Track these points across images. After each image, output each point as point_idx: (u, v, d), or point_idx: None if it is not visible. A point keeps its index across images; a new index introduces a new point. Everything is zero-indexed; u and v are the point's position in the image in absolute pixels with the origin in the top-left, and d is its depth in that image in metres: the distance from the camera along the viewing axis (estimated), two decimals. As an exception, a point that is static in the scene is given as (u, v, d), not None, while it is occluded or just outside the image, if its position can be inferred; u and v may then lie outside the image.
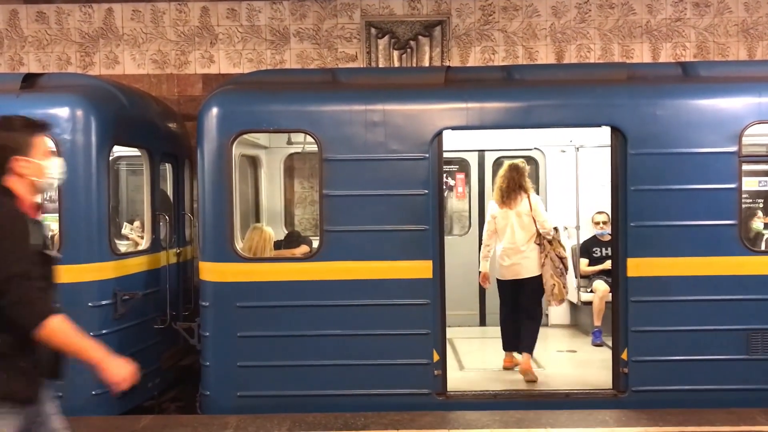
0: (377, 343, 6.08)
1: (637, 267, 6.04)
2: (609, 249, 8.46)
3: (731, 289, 6.04)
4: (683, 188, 6.02)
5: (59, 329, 2.93)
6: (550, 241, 7.00)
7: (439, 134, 6.08)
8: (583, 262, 8.62)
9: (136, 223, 8.30)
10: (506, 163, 7.27)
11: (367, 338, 6.09)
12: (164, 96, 9.00)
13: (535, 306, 7.12)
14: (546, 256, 6.95)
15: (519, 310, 7.13)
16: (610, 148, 6.21)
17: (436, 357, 6.11)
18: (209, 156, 6.09)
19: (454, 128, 6.11)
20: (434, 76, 6.47)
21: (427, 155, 6.04)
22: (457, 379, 6.56)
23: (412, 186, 6.05)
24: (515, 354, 7.16)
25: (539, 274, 6.98)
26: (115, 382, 3.04)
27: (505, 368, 7.15)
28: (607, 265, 8.39)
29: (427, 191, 6.05)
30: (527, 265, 7.00)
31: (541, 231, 6.99)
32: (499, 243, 7.18)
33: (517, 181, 7.04)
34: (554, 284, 6.90)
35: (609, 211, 8.29)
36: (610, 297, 7.99)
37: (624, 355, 6.09)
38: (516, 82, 6.37)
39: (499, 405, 6.05)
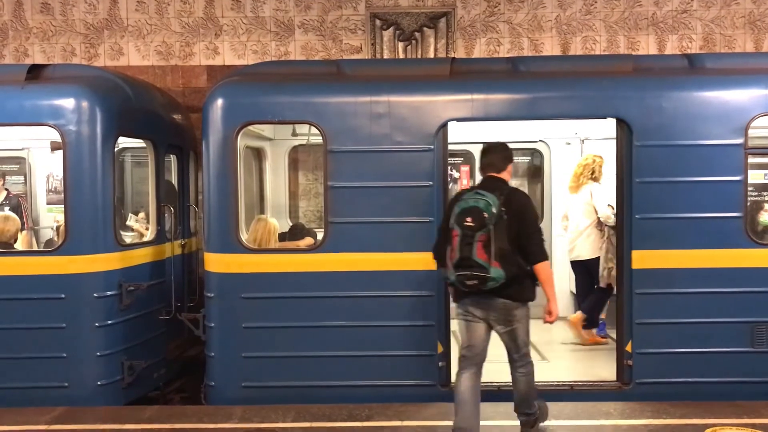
0: (381, 335, 6.09)
1: (642, 259, 6.03)
2: (613, 241, 8.50)
3: (736, 281, 6.03)
4: (689, 180, 6.00)
5: (547, 268, 4.95)
6: (613, 227, 7.46)
7: (444, 126, 6.07)
8: None
9: (141, 215, 8.33)
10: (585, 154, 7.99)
11: (371, 329, 6.10)
12: (169, 87, 9.00)
13: (590, 286, 7.85)
14: (606, 240, 7.57)
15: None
16: (615, 141, 6.20)
17: (440, 348, 6.11)
18: (214, 147, 6.09)
19: (459, 120, 6.10)
20: (439, 67, 6.45)
21: (432, 147, 6.04)
22: (461, 371, 6.56)
23: (417, 178, 6.04)
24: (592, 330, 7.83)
25: (597, 256, 7.65)
26: (551, 315, 4.98)
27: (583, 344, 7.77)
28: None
29: (431, 183, 6.05)
30: (585, 247, 7.66)
31: (601, 218, 7.55)
32: (569, 227, 7.96)
33: (585, 171, 7.73)
34: (610, 267, 7.43)
35: (614, 204, 8.37)
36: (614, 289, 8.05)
37: (628, 348, 6.09)
38: (521, 74, 6.35)
39: (502, 396, 6.02)
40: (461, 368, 5.04)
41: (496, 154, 5.19)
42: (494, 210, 4.69)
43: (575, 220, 7.81)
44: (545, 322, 5.05)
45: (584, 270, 7.83)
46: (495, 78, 6.34)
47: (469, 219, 4.69)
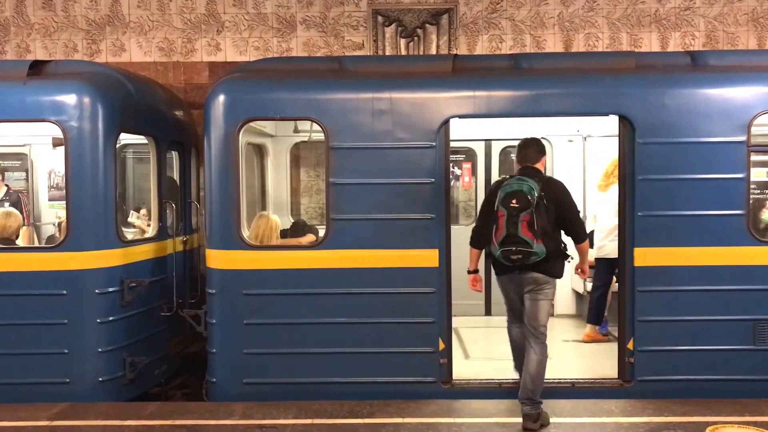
0: (383, 332, 6.09)
1: (644, 257, 6.03)
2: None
3: (738, 279, 6.03)
4: (691, 178, 5.99)
5: (587, 244, 5.77)
6: None
7: (446, 122, 6.06)
8: None
9: (143, 211, 8.33)
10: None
11: (373, 326, 6.10)
12: (171, 84, 9.00)
13: (609, 283, 7.85)
14: None
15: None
16: (618, 138, 6.19)
17: (441, 345, 6.11)
18: (216, 144, 6.09)
19: (461, 116, 6.09)
20: (441, 64, 6.44)
21: (434, 144, 6.03)
22: (462, 368, 6.57)
23: (419, 174, 6.04)
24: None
25: None
26: (584, 273, 5.94)
27: (584, 341, 7.83)
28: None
29: (433, 180, 6.04)
30: (615, 246, 7.57)
31: None
32: (597, 225, 7.95)
33: (615, 171, 7.61)
34: None
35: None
36: (615, 287, 8.05)
37: (630, 345, 6.09)
38: (524, 71, 6.34)
39: (504, 394, 6.05)
40: (509, 321, 5.95)
41: (531, 148, 5.75)
42: (535, 193, 5.32)
43: (603, 220, 7.77)
44: (576, 273, 6.02)
45: (608, 267, 7.75)
46: (497, 75, 6.32)
47: (514, 201, 5.33)
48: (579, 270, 5.90)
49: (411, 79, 6.22)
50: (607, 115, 6.21)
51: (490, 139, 9.21)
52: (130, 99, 6.66)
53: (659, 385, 6.06)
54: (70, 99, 6.12)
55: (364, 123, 6.05)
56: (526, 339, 5.58)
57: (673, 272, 6.03)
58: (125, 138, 7.21)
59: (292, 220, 8.52)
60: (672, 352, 6.06)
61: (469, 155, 9.41)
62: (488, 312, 9.22)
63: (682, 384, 6.06)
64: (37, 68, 6.45)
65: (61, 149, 6.20)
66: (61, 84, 6.23)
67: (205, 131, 6.16)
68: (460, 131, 6.73)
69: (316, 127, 6.35)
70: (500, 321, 8.76)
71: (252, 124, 6.47)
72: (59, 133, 6.15)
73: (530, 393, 5.39)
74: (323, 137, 6.11)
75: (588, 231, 8.77)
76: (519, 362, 5.82)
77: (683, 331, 6.06)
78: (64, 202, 6.34)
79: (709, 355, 6.06)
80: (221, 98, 6.09)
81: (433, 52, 9.15)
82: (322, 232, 6.60)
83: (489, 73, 6.34)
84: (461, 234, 8.64)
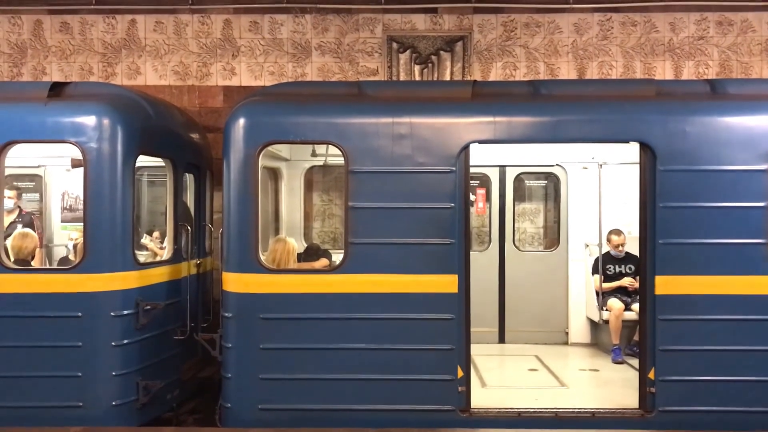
0: (401, 358, 6.00)
1: (666, 285, 5.96)
2: (623, 266, 8.44)
3: (760, 308, 5.95)
4: (712, 206, 5.95)
5: None
6: None
7: (466, 148, 6.04)
8: (596, 278, 8.50)
9: (156, 234, 8.30)
10: None
11: (390, 352, 6.02)
12: (185, 107, 9.01)
13: None
14: None
15: None
16: (638, 165, 6.16)
17: (460, 373, 6.03)
18: (235, 166, 6.06)
19: (481, 142, 6.07)
20: (461, 89, 6.44)
21: (454, 168, 6.01)
22: (480, 396, 6.48)
23: (439, 199, 6.00)
24: None
25: None
26: None
27: None
28: (624, 282, 8.37)
29: (453, 205, 6.00)
30: None
31: None
32: None
33: None
34: None
35: (625, 230, 8.36)
36: (625, 315, 8.02)
37: (651, 375, 6.00)
38: (543, 97, 6.33)
39: (523, 423, 5.96)
40: None
41: None
42: None
43: None
44: None
45: None
46: (517, 101, 6.31)
47: None
48: None
49: (431, 103, 6.21)
50: (628, 142, 6.19)
51: (505, 166, 9.20)
52: (149, 121, 6.66)
53: (681, 415, 5.96)
54: (90, 120, 6.11)
55: (384, 147, 6.04)
56: None
57: (694, 301, 5.96)
58: (140, 160, 7.19)
59: (305, 245, 8.49)
60: (694, 382, 5.97)
61: (484, 181, 9.40)
62: (502, 340, 9.13)
63: (704, 415, 5.95)
64: (57, 90, 6.46)
65: (76, 171, 6.19)
66: (81, 105, 6.23)
67: (225, 154, 6.14)
68: (475, 157, 6.70)
69: (331, 151, 6.33)
70: (514, 349, 8.75)
71: (268, 147, 6.46)
72: (78, 155, 6.14)
73: None
74: (342, 161, 6.09)
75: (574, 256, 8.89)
76: None
77: (705, 360, 5.97)
78: (77, 223, 6.31)
79: (731, 385, 5.96)
80: (241, 121, 6.08)
81: (447, 78, 9.18)
82: (334, 257, 6.55)
83: (509, 99, 6.33)
84: (474, 261, 8.59)
